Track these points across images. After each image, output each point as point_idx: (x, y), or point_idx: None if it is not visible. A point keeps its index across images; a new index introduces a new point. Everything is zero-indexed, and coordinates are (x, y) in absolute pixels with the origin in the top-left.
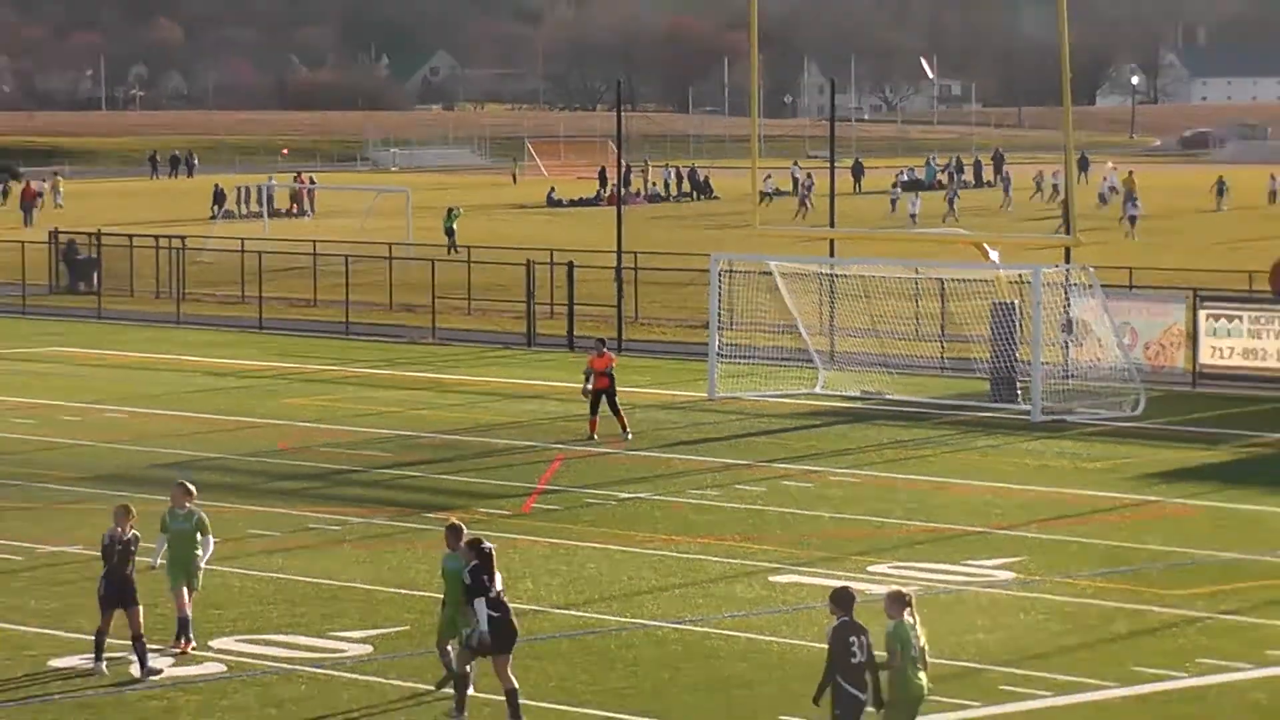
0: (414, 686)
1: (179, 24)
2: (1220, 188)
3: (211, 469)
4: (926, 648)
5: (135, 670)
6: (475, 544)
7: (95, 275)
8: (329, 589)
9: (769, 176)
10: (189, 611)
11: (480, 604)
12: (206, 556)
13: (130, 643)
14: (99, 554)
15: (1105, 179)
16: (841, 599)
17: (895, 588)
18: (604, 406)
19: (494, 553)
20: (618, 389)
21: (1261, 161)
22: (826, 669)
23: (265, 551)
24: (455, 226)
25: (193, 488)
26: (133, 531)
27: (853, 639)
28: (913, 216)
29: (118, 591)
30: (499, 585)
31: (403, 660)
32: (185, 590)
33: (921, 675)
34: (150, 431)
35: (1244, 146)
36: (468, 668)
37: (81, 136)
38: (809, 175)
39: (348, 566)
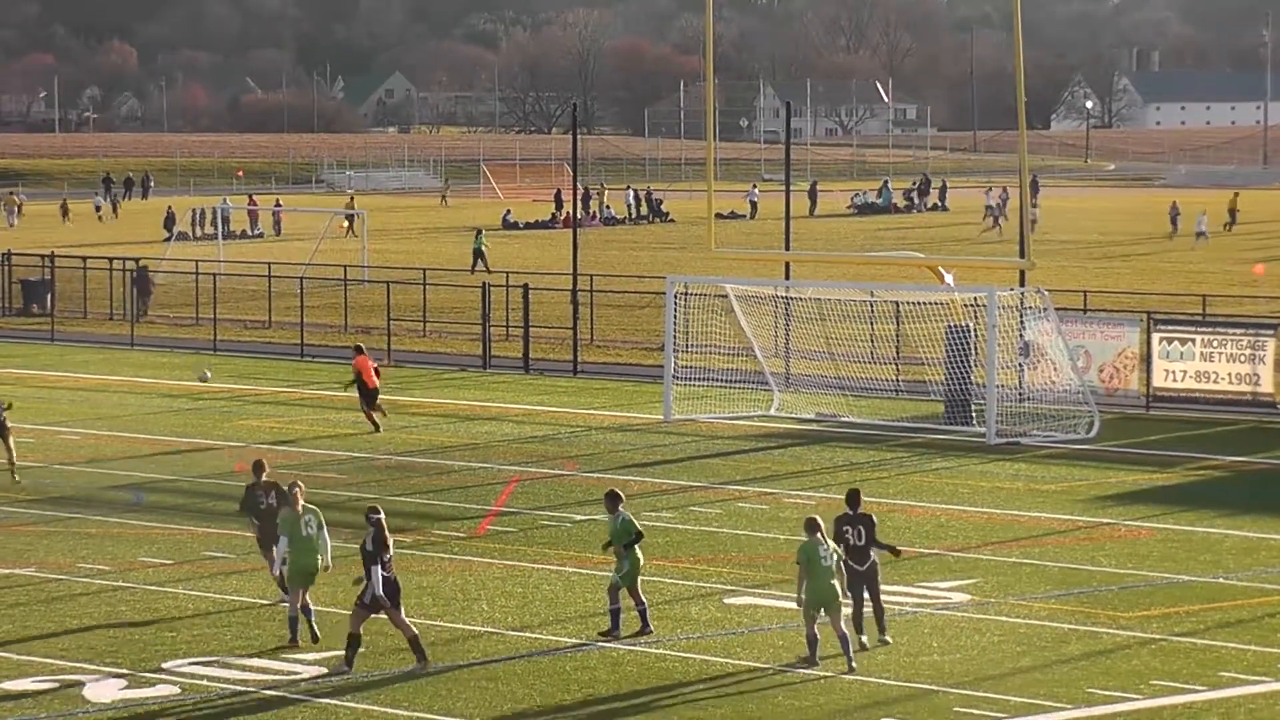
0: (367, 709)
1: (133, 46)
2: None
3: (167, 491)
4: (839, 558)
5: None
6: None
7: (49, 297)
8: (283, 611)
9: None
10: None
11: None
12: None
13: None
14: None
15: None
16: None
17: (810, 515)
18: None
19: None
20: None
21: (1213, 186)
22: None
23: (221, 573)
24: (484, 248)
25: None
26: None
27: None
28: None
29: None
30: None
31: (356, 682)
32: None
33: (833, 582)
34: (105, 453)
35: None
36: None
37: (35, 158)
38: (1004, 190)
39: None
